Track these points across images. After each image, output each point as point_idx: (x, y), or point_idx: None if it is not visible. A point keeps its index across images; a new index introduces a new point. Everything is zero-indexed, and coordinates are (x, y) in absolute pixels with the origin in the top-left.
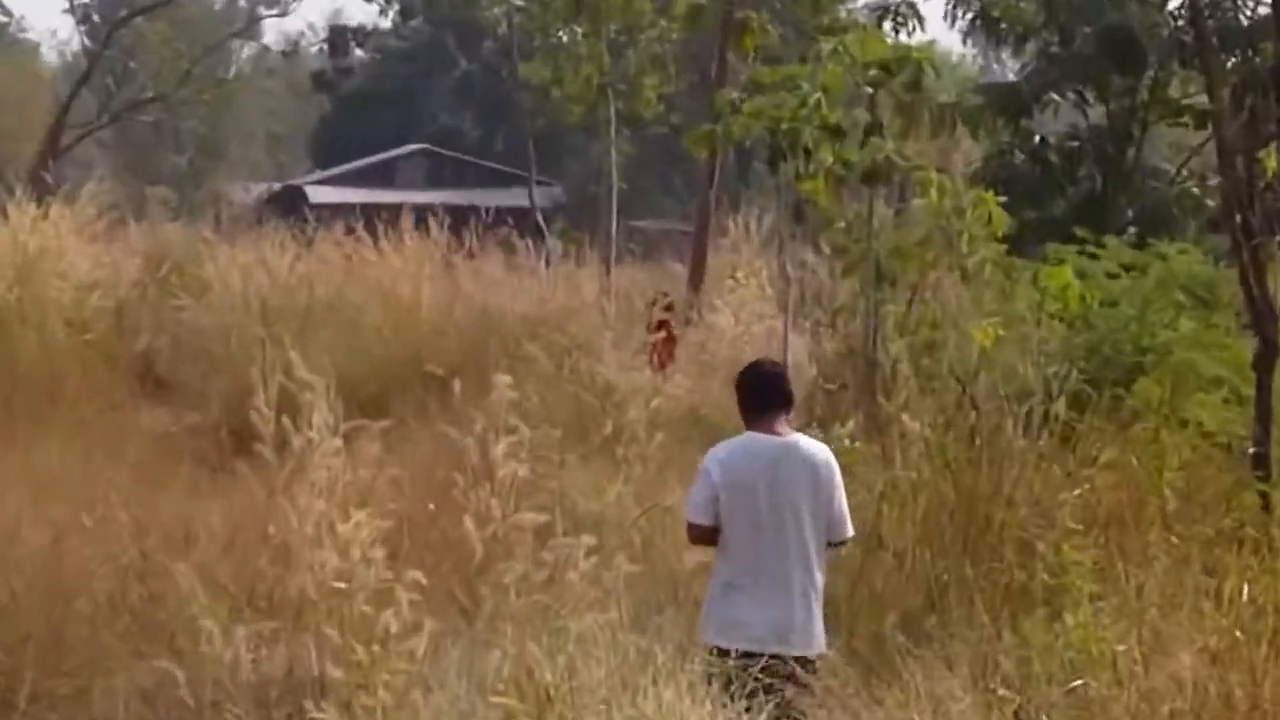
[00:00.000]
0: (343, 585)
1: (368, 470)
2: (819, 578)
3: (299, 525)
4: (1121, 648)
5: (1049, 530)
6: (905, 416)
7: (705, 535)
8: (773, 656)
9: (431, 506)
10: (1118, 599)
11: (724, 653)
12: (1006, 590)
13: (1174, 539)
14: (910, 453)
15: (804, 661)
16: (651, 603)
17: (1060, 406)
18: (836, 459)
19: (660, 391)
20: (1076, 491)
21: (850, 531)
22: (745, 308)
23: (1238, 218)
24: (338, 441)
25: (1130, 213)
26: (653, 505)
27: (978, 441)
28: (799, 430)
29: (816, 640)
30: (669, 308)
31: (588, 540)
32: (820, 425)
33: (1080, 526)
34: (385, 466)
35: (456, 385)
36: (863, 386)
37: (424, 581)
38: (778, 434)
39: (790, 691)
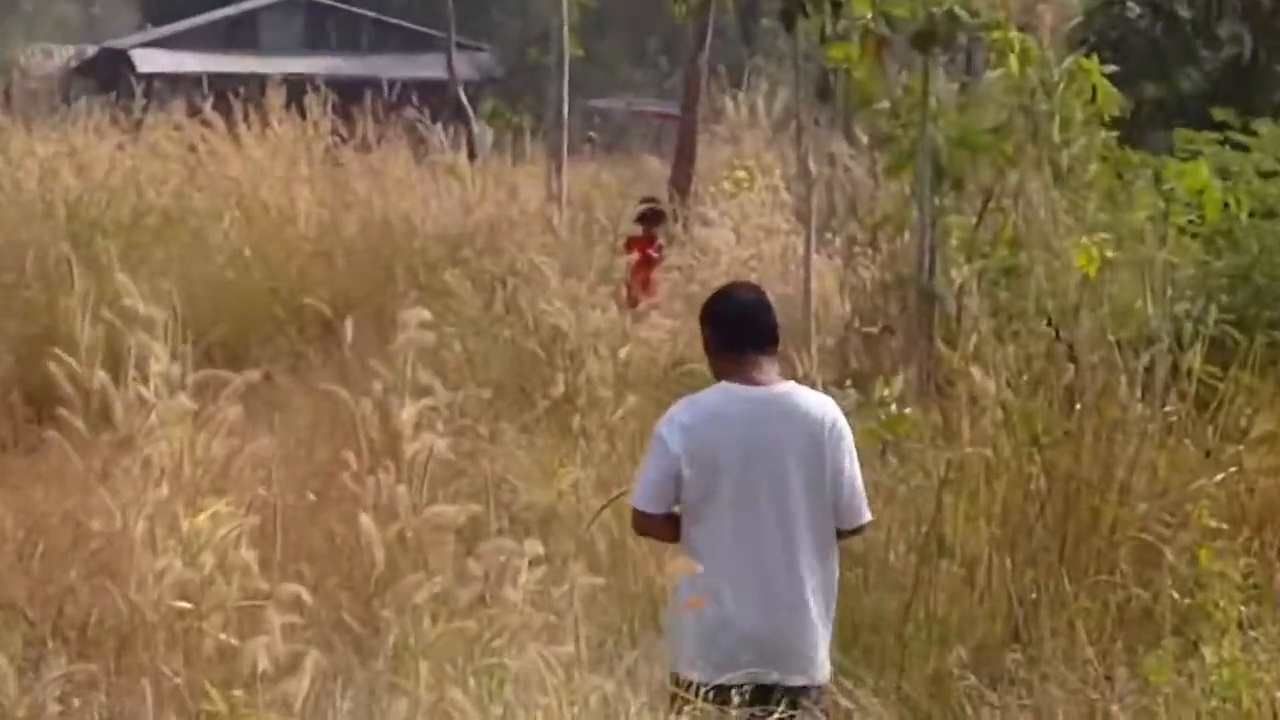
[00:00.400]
0: (190, 605)
1: (224, 444)
2: (824, 580)
3: (127, 522)
4: None
5: (1180, 531)
6: (976, 371)
7: (660, 528)
8: (761, 687)
9: (312, 496)
10: (1278, 627)
11: (699, 687)
12: (1120, 614)
13: None
14: (983, 423)
15: (803, 692)
16: (620, 631)
17: (1194, 358)
18: (880, 429)
19: (632, 337)
20: (1219, 477)
21: (867, 515)
22: (750, 219)
23: None
24: (184, 401)
25: None
26: (620, 494)
27: (1078, 407)
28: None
29: (819, 664)
30: (653, 218)
31: (531, 545)
32: (856, 383)
33: (1225, 525)
34: (248, 439)
35: (347, 327)
36: (916, 329)
37: (306, 599)
38: (760, 383)
39: None
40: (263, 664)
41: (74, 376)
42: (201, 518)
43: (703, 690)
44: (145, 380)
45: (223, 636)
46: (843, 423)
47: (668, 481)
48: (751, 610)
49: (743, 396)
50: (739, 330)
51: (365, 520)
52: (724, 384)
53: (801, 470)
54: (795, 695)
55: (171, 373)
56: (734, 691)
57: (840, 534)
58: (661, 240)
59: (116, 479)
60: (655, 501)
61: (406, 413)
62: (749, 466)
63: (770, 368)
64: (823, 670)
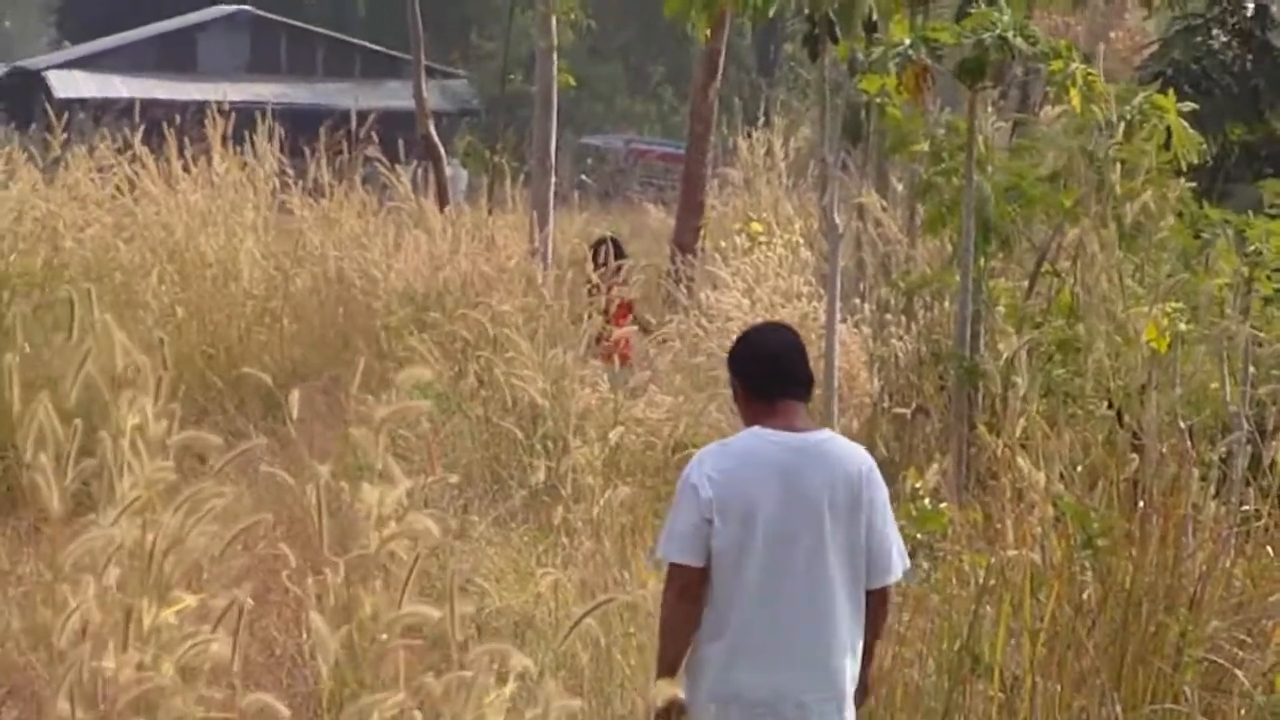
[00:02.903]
0: None
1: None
2: (854, 641)
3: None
4: None
5: (1258, 653)
6: (1023, 461)
7: (696, 588)
8: None
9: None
10: None
11: None
12: None
13: None
14: (1030, 521)
15: None
16: None
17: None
18: (911, 527)
19: (625, 417)
20: None
21: (899, 572)
22: (766, 280)
23: None
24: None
25: None
26: (607, 600)
27: (1142, 505)
28: None
29: None
30: (606, 254)
31: (503, 654)
32: (885, 472)
33: None
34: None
35: (293, 401)
36: (955, 411)
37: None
38: (796, 429)
39: None
40: None
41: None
42: (169, 613)
43: None
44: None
45: None
46: (877, 473)
47: (700, 530)
48: (778, 666)
49: (777, 442)
50: (771, 373)
51: (318, 623)
52: (754, 429)
53: (840, 524)
54: None
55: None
56: None
57: (871, 599)
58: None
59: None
60: (689, 552)
61: (373, 499)
62: (785, 517)
63: (805, 414)
64: None
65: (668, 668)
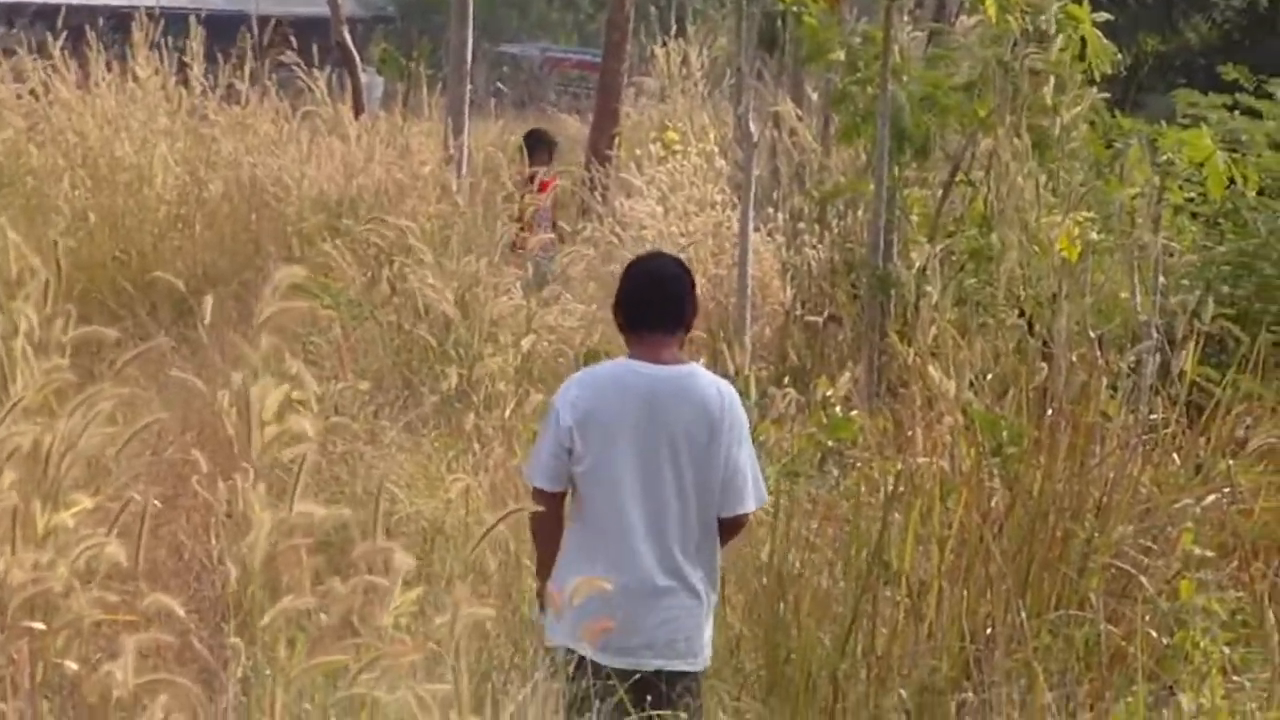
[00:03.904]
0: (41, 626)
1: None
2: (708, 566)
3: None
4: None
5: (1163, 559)
6: (934, 369)
7: (556, 511)
8: (641, 671)
9: (156, 503)
10: (1270, 672)
11: (581, 664)
12: (1089, 653)
13: None
14: (940, 429)
15: (681, 678)
16: (512, 666)
17: (1187, 358)
18: (821, 435)
19: (538, 324)
20: (1211, 497)
21: (751, 504)
22: (681, 189)
23: None
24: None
25: None
26: (518, 509)
27: (1050, 413)
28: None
29: (702, 650)
30: (538, 147)
31: (406, 562)
32: (796, 380)
33: (1211, 554)
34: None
35: (205, 306)
36: (867, 320)
37: (180, 613)
38: (661, 362)
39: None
40: (118, 690)
41: None
42: (66, 515)
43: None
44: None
45: (71, 665)
46: (739, 407)
47: (560, 456)
48: (636, 591)
49: (641, 372)
50: (638, 306)
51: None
52: (625, 360)
53: (693, 454)
54: (673, 681)
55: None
56: (612, 672)
57: (721, 526)
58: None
59: None
60: (548, 478)
61: (267, 403)
62: (643, 445)
63: (674, 348)
64: (702, 658)
65: (543, 570)
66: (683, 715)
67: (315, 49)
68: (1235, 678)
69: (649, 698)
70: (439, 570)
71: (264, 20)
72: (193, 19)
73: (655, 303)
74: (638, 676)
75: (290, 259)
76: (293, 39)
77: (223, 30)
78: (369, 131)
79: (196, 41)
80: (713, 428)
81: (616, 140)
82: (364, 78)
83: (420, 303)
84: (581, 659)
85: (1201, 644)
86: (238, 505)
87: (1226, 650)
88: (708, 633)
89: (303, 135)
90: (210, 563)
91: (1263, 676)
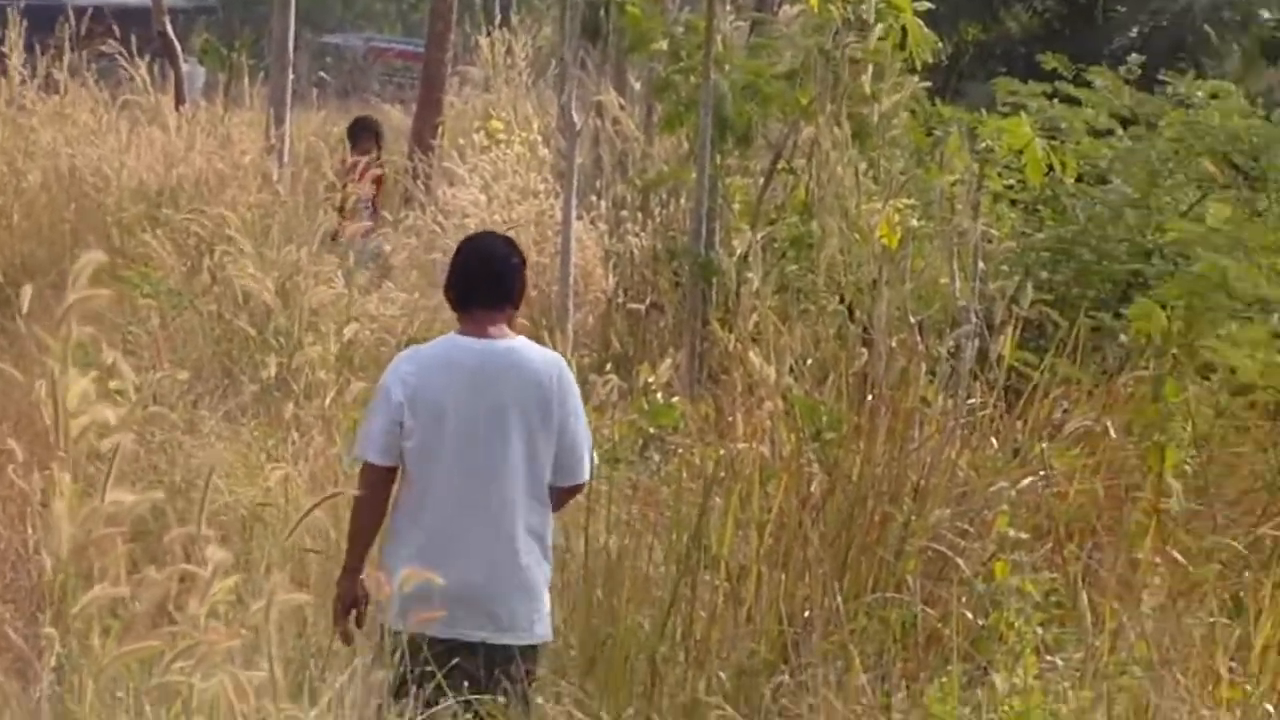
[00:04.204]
0: None
1: None
2: (542, 540)
3: None
4: None
5: (978, 542)
6: (755, 356)
7: (384, 487)
8: (472, 645)
9: None
10: (1083, 652)
11: (412, 644)
12: (904, 635)
13: (1178, 558)
14: (760, 414)
15: (509, 652)
16: (325, 654)
17: (1007, 343)
18: (643, 421)
19: (360, 313)
20: (1026, 481)
21: (586, 474)
22: (505, 178)
23: None
24: None
25: (1134, 31)
26: (336, 493)
27: (870, 398)
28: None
29: (537, 623)
30: (364, 135)
31: (220, 555)
32: (619, 367)
33: (1026, 536)
34: None
35: (24, 296)
36: (689, 307)
37: None
38: (488, 336)
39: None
40: None
41: None
42: None
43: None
44: None
45: None
46: (569, 378)
47: (391, 431)
48: (466, 565)
49: (468, 347)
50: (464, 282)
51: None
52: (453, 335)
53: (524, 426)
54: (507, 654)
55: None
56: (438, 644)
57: (559, 495)
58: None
59: None
60: (380, 452)
61: (72, 391)
62: (472, 420)
63: (502, 324)
64: (536, 631)
65: (357, 547)
66: (514, 688)
67: (135, 39)
68: (1049, 657)
69: (484, 672)
70: (258, 558)
71: (81, 10)
72: (11, 10)
73: (483, 279)
74: (466, 649)
75: (110, 249)
76: (115, 28)
77: (43, 21)
78: (190, 121)
79: (15, 32)
80: (543, 400)
81: (440, 130)
82: (185, 68)
83: (240, 292)
84: (413, 637)
85: (1015, 625)
86: (52, 495)
87: (1040, 631)
88: (542, 607)
89: (122, 125)
90: (25, 552)
91: (1075, 656)
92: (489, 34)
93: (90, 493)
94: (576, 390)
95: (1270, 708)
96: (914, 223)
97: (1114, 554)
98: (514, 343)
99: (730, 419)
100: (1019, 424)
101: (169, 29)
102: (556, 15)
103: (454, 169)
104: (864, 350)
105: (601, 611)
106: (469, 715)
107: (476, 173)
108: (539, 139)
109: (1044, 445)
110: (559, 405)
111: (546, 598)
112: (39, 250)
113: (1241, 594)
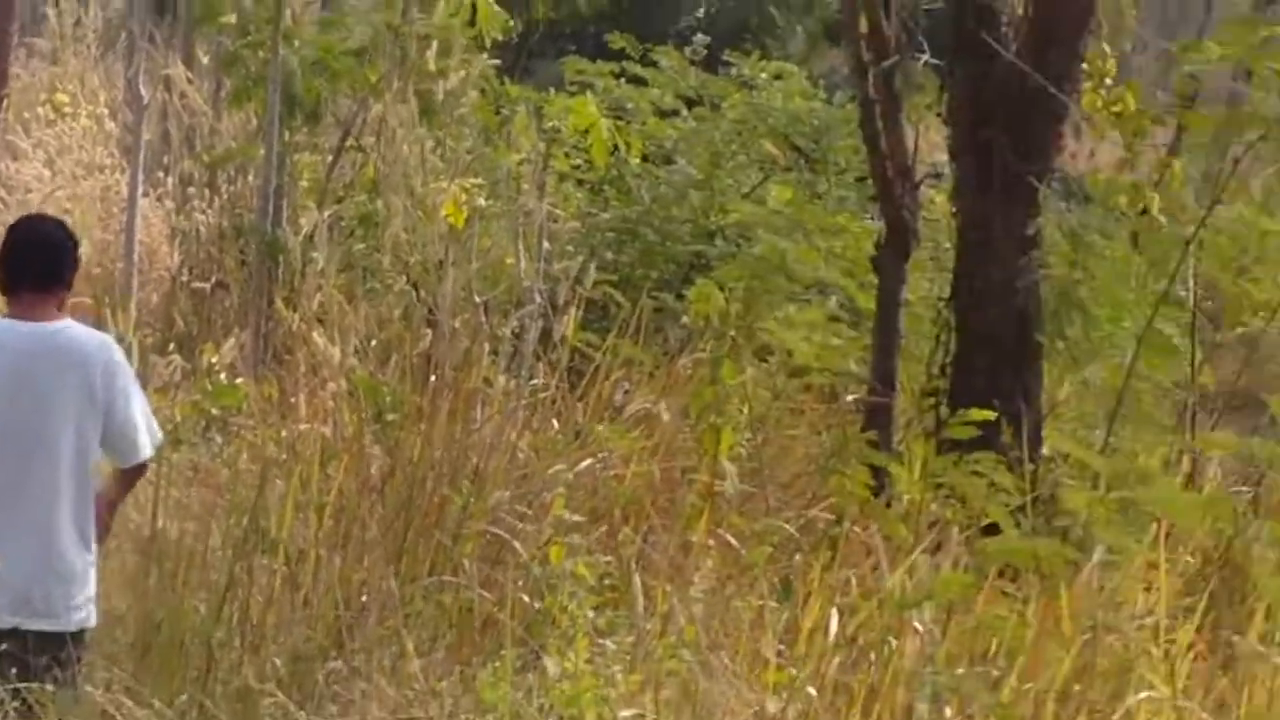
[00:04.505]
0: None
1: None
2: (84, 525)
3: None
4: (628, 714)
5: (536, 524)
6: (319, 336)
7: None
8: (19, 631)
9: None
10: (633, 635)
11: None
12: (461, 619)
13: (731, 540)
14: (324, 395)
15: (61, 640)
16: None
17: (570, 324)
18: (205, 402)
19: None
20: (585, 463)
21: (143, 455)
22: (70, 153)
23: (865, 22)
24: None
25: (700, 11)
26: None
27: (434, 379)
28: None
29: (76, 609)
30: None
31: None
32: (182, 347)
33: (583, 519)
34: None
35: None
36: (255, 286)
37: None
38: (37, 320)
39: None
40: None
41: None
42: None
43: None
44: None
45: None
46: (118, 358)
47: None
48: (8, 549)
49: (15, 330)
50: (9, 265)
51: None
52: (2, 319)
53: (71, 409)
54: (55, 641)
55: None
56: None
57: (122, 477)
58: None
59: None
60: None
61: None
62: (14, 404)
63: (51, 306)
64: (74, 618)
65: None
66: (63, 675)
67: None
68: (601, 641)
69: (32, 659)
70: None
71: None
72: None
73: (32, 262)
74: (12, 636)
75: None
76: None
77: None
78: None
79: None
80: (90, 383)
81: (5, 103)
82: None
83: None
84: None
85: (569, 608)
86: None
87: (592, 614)
88: (82, 593)
89: None
90: None
91: (627, 640)
92: (57, 4)
93: None
94: (128, 371)
95: (813, 691)
96: (481, 202)
97: (668, 537)
98: (60, 324)
99: (293, 400)
100: (580, 405)
101: None
102: None
103: (17, 143)
104: (429, 330)
105: (155, 596)
106: (16, 704)
107: (41, 147)
108: (106, 113)
109: (602, 427)
110: (105, 388)
111: (90, 585)
112: None
113: (791, 577)
